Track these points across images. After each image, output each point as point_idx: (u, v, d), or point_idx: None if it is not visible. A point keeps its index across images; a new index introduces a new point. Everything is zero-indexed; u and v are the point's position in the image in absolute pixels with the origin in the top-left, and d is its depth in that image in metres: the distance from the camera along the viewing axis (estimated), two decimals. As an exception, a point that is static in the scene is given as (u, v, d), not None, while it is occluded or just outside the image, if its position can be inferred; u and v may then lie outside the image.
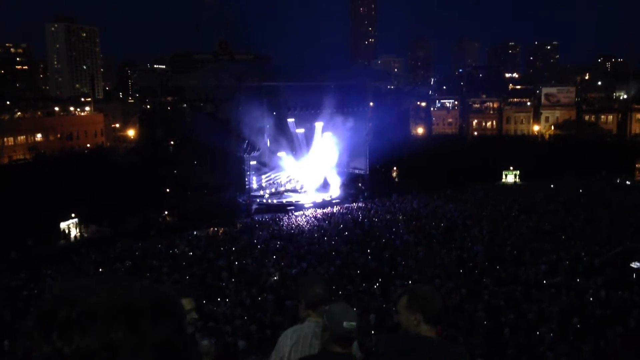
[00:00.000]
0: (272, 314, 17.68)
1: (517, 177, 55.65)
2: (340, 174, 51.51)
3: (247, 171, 47.49)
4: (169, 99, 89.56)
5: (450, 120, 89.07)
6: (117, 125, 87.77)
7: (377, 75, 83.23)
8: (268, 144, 49.12)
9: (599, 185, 48.46)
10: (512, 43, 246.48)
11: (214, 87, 55.91)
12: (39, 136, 67.16)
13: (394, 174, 58.03)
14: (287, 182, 51.60)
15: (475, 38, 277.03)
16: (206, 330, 14.12)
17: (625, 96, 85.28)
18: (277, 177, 50.98)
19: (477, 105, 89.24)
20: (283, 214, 42.03)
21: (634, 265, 22.53)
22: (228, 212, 42.50)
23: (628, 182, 51.46)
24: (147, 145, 68.01)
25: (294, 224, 37.82)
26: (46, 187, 41.76)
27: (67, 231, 37.93)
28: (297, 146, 50.38)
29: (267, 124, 47.60)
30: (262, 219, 40.05)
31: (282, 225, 37.42)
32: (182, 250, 29.81)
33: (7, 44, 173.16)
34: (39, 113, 73.27)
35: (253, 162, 48.20)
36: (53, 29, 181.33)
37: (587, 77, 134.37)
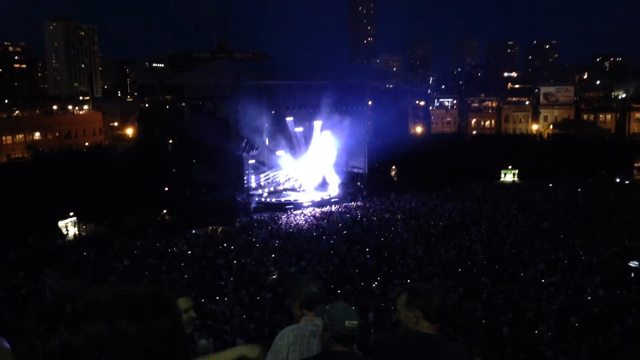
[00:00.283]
0: (270, 312, 17.68)
1: (516, 176, 55.69)
2: (339, 172, 51.51)
3: (246, 170, 47.46)
4: (168, 97, 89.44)
5: (449, 119, 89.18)
6: (116, 123, 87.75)
7: (376, 74, 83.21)
8: (267, 142, 49.10)
9: (598, 185, 48.51)
10: (511, 42, 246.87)
11: (212, 86, 55.80)
12: (37, 135, 67.12)
13: (393, 173, 58.01)
14: (285, 180, 51.59)
15: (474, 37, 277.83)
16: (205, 329, 14.13)
17: (623, 95, 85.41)
18: (275, 176, 50.97)
19: (475, 105, 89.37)
20: (282, 213, 42.03)
21: (633, 264, 22.56)
22: (227, 210, 42.48)
23: (627, 182, 51.51)
24: (145, 143, 67.97)
25: (292, 222, 37.82)
26: (44, 185, 41.73)
27: (65, 230, 37.88)
28: (295, 145, 50.36)
29: (266, 122, 47.58)
30: (260, 218, 40.04)
31: (281, 224, 37.43)
32: (180, 249, 29.81)
33: (5, 43, 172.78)
34: (38, 112, 73.30)
35: (252, 161, 48.17)
36: (51, 27, 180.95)
37: (585, 76, 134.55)
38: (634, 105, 78.93)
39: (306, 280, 4.17)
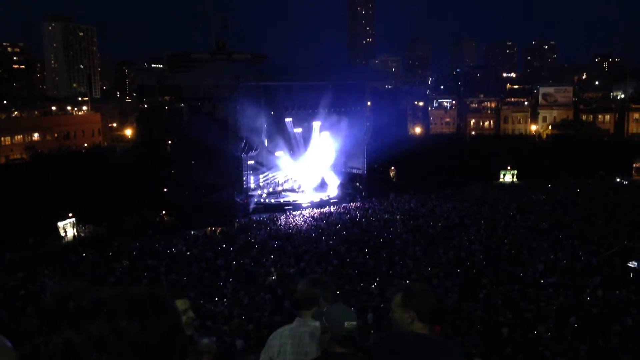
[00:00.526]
0: (269, 313, 17.68)
1: (515, 176, 55.69)
2: (337, 173, 51.51)
3: (245, 171, 47.45)
4: (167, 98, 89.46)
5: (447, 119, 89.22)
6: (115, 124, 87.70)
7: (375, 74, 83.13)
8: (266, 143, 49.11)
9: (597, 185, 48.53)
10: (510, 43, 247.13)
11: (211, 87, 55.73)
12: (36, 136, 67.11)
13: (392, 174, 58.02)
14: (284, 181, 51.57)
15: (472, 38, 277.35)
16: (204, 330, 14.12)
17: (622, 96, 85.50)
18: (274, 177, 50.95)
19: (474, 105, 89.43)
20: (281, 214, 41.99)
21: (632, 264, 22.58)
22: (226, 211, 42.46)
23: (625, 182, 51.55)
24: (144, 144, 68.00)
25: (291, 223, 37.80)
26: (43, 186, 41.73)
27: (64, 231, 37.84)
28: (294, 146, 50.36)
29: (265, 123, 47.59)
30: (259, 219, 40.01)
31: (280, 224, 37.41)
32: (179, 249, 29.78)
33: (4, 43, 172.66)
34: (36, 112, 73.22)
35: (251, 162, 48.17)
36: (50, 28, 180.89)
37: (584, 77, 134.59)
38: (633, 106, 79.01)
39: (304, 279, 4.16)
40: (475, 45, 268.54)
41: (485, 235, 29.94)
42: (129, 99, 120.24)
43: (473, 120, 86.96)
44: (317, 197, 48.62)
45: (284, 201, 47.91)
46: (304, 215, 40.94)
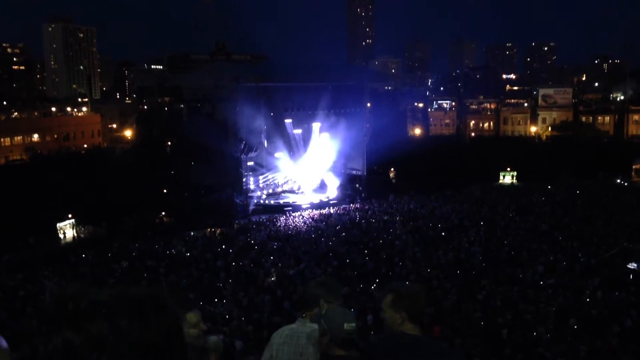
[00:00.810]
0: (269, 314, 17.67)
1: (514, 178, 55.72)
2: (337, 174, 51.49)
3: (244, 172, 47.44)
4: (166, 99, 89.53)
5: (447, 121, 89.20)
6: (114, 125, 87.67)
7: (375, 76, 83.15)
8: (265, 144, 49.08)
9: (596, 186, 48.55)
10: (509, 44, 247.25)
11: (211, 88, 55.87)
12: (35, 137, 67.09)
13: (392, 175, 58.05)
14: (284, 182, 51.55)
15: (472, 39, 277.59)
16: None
17: (622, 97, 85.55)
18: (274, 178, 50.91)
19: (474, 107, 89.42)
20: (280, 215, 41.99)
21: (631, 266, 22.59)
22: (225, 212, 42.47)
23: (625, 183, 51.59)
24: (144, 145, 67.99)
25: (291, 224, 37.80)
26: (43, 187, 41.73)
27: (64, 232, 37.83)
28: (294, 147, 50.35)
29: (265, 124, 47.58)
30: (259, 220, 40.01)
31: (280, 226, 37.41)
32: (179, 250, 29.77)
33: (4, 44, 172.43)
34: (36, 113, 73.18)
35: (250, 163, 48.15)
36: (50, 29, 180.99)
37: (584, 78, 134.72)
38: (632, 107, 79.05)
39: (311, 281, 4.17)
40: (475, 46, 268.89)
41: (484, 236, 29.94)
42: (128, 100, 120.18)
43: (473, 122, 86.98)
44: (316, 198, 48.62)
45: (283, 202, 47.90)
46: (303, 217, 40.93)
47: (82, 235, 38.31)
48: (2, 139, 62.90)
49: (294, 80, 48.83)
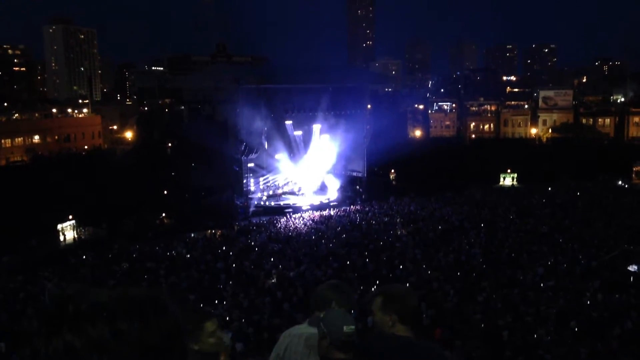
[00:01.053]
0: (269, 316, 17.66)
1: (515, 179, 55.68)
2: (337, 176, 51.46)
3: (245, 173, 47.43)
4: (167, 100, 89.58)
5: (447, 123, 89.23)
6: (115, 127, 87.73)
7: (375, 77, 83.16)
8: (266, 146, 49.05)
9: (597, 188, 48.51)
10: (510, 46, 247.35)
11: (211, 89, 55.82)
12: (36, 138, 67.15)
13: (392, 177, 58.04)
14: (284, 184, 51.54)
15: (473, 40, 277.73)
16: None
17: (622, 99, 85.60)
18: (274, 180, 50.90)
19: (474, 108, 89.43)
20: (281, 217, 41.94)
21: (631, 268, 22.57)
22: (225, 214, 42.46)
23: (625, 185, 51.58)
24: (144, 147, 68.02)
25: (291, 226, 37.78)
26: (43, 188, 41.73)
27: (64, 233, 37.82)
28: (294, 148, 50.34)
29: (265, 126, 47.57)
30: (259, 222, 40.01)
31: (280, 227, 37.38)
32: (179, 252, 29.76)
33: (4, 46, 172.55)
34: (37, 115, 73.24)
35: (250, 165, 48.14)
36: (51, 30, 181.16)
37: (584, 80, 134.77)
38: (633, 109, 79.09)
39: (324, 284, 4.15)
40: (475, 48, 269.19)
41: (485, 238, 29.91)
42: (129, 101, 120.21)
43: (473, 124, 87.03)
44: (317, 200, 48.60)
45: (284, 204, 47.87)
46: (303, 218, 40.91)
47: (82, 237, 38.29)
48: (2, 140, 62.96)
49: (294, 82, 48.84)
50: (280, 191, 51.19)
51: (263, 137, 47.95)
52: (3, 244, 30.99)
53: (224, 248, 30.32)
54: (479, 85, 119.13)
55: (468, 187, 49.00)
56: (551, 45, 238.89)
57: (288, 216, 42.11)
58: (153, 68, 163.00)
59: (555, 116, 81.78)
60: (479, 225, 33.65)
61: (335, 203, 47.91)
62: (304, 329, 3.83)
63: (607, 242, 27.73)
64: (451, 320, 16.66)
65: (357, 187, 51.81)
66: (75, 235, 38.09)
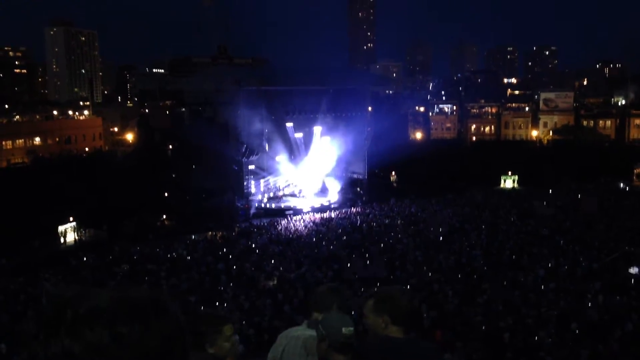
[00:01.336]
0: (270, 318, 17.65)
1: (516, 182, 55.67)
2: (338, 178, 51.48)
3: (246, 175, 47.45)
4: (168, 102, 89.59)
5: (448, 125, 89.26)
6: (116, 129, 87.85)
7: (376, 79, 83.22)
8: (266, 148, 49.09)
9: (598, 191, 48.44)
10: (511, 48, 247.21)
11: (212, 91, 55.84)
12: (37, 140, 67.24)
13: (393, 179, 58.04)
14: (285, 186, 51.56)
15: (473, 42, 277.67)
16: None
17: (623, 101, 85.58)
18: (275, 182, 50.94)
19: (475, 110, 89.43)
20: (281, 219, 41.95)
21: (632, 270, 22.54)
22: (226, 216, 42.46)
23: (626, 188, 51.54)
24: (145, 149, 68.03)
25: (292, 228, 37.77)
26: (44, 190, 41.73)
27: (65, 235, 37.84)
28: (295, 150, 50.37)
29: (266, 128, 47.61)
30: (260, 224, 40.01)
31: (281, 229, 37.38)
32: (180, 254, 29.76)
33: (6, 48, 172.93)
34: (38, 117, 73.46)
35: (251, 167, 48.17)
36: (52, 32, 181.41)
37: (585, 82, 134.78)
38: (634, 112, 79.06)
39: (321, 287, 4.15)
40: (476, 50, 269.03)
41: (486, 240, 29.89)
42: (130, 103, 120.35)
43: (474, 126, 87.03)
44: (317, 202, 48.59)
45: (284, 206, 47.89)
46: (304, 220, 40.91)
47: (83, 238, 38.32)
48: (3, 142, 63.05)
49: (295, 84, 48.87)
50: (280, 193, 51.21)
51: (264, 139, 47.98)
52: (4, 246, 30.99)
53: (224, 250, 30.32)
54: (479, 87, 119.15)
55: (469, 189, 48.99)
56: (552, 47, 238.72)
57: (289, 218, 42.11)
58: (154, 70, 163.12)
59: (556, 118, 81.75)
60: (480, 227, 33.63)
61: (335, 205, 47.92)
62: (302, 331, 3.83)
63: (608, 244, 27.69)
64: (452, 322, 16.64)
65: (358, 189, 51.80)
66: (76, 237, 38.12)
